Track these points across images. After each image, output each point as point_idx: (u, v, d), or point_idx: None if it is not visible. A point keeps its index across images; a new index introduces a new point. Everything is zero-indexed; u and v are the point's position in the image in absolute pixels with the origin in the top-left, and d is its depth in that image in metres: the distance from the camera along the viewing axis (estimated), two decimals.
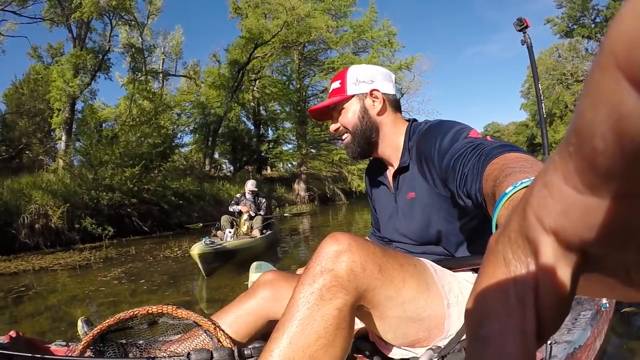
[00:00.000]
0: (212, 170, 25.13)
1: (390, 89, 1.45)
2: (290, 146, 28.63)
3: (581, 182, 0.17)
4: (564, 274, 0.19)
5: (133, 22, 18.55)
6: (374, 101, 1.42)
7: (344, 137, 1.46)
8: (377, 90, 1.42)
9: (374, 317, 1.08)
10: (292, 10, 21.41)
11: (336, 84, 1.45)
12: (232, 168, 28.19)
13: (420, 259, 1.22)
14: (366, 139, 1.43)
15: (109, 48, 18.45)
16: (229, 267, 6.01)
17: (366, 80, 1.43)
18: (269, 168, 30.47)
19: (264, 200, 8.17)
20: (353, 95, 1.42)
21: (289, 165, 29.79)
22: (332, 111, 1.47)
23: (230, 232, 6.38)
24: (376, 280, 1.02)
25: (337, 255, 1.01)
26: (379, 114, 1.42)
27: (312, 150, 26.62)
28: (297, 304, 0.99)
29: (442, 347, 1.13)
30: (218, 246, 5.84)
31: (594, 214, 0.17)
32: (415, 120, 1.47)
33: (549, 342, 1.46)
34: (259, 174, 26.08)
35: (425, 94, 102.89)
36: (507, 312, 0.20)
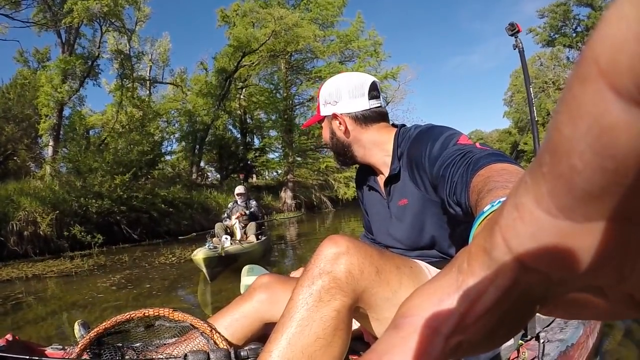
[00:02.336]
0: (199, 178, 25.07)
1: (359, 105, 1.41)
2: (276, 154, 28.70)
3: (554, 205, 0.16)
4: (519, 298, 0.19)
5: (122, 29, 18.51)
6: (339, 124, 1.43)
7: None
8: (338, 115, 1.42)
9: (371, 318, 1.08)
10: (280, 20, 21.47)
11: (317, 101, 1.49)
12: (218, 176, 28.08)
13: (416, 260, 1.24)
14: (341, 155, 1.48)
15: (99, 54, 18.35)
16: (228, 272, 6.06)
17: (330, 101, 1.43)
18: (254, 176, 30.43)
19: (253, 202, 8.29)
20: (324, 117, 1.47)
21: (275, 173, 29.81)
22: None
23: (227, 238, 6.47)
24: (373, 282, 1.03)
25: (335, 258, 1.02)
26: (346, 134, 1.43)
27: (299, 159, 26.60)
28: (296, 305, 1.00)
29: None
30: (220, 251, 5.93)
31: (566, 238, 0.16)
32: (403, 125, 1.45)
33: (541, 340, 1.51)
34: (245, 182, 26.09)
35: (409, 103, 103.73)
36: (432, 311, 0.20)
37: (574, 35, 38.30)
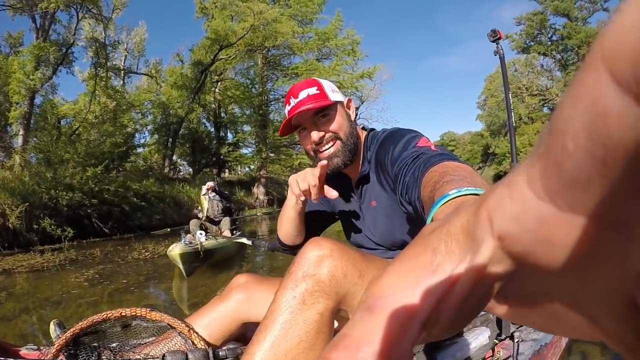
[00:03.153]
0: (171, 172, 24.78)
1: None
2: (249, 150, 28.55)
3: (543, 186, 0.16)
4: (489, 283, 0.19)
5: (99, 16, 18.16)
6: (350, 110, 1.41)
7: (328, 146, 1.36)
8: (351, 101, 1.43)
9: None
10: (259, 14, 21.33)
11: (312, 90, 1.34)
12: (190, 170, 27.80)
13: None
14: (353, 146, 1.37)
15: (74, 41, 17.96)
16: (204, 267, 6.07)
17: (337, 91, 1.40)
18: (227, 171, 30.24)
19: (225, 192, 8.81)
20: (336, 102, 1.36)
21: (248, 168, 29.66)
22: (309, 120, 1.36)
23: (202, 233, 6.48)
24: (356, 285, 1.03)
25: (319, 261, 1.02)
26: (352, 126, 1.40)
27: (272, 155, 26.54)
28: (280, 307, 0.99)
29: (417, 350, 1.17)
30: (197, 246, 5.93)
31: (546, 226, 0.16)
32: (373, 129, 1.47)
33: (515, 340, 1.56)
34: (218, 177, 25.89)
35: (384, 102, 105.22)
36: (406, 294, 0.20)
37: (549, 43, 39.22)
